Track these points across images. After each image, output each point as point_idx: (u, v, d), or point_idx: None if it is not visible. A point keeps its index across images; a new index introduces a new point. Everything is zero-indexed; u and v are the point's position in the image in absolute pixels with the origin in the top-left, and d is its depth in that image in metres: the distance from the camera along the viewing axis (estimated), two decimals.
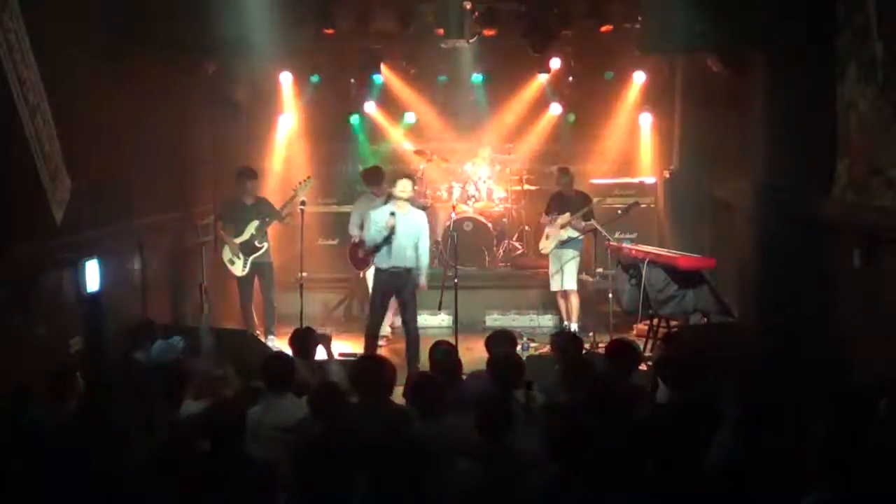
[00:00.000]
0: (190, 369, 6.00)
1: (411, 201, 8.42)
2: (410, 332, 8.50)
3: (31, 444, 4.52)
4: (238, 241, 9.50)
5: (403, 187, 8.25)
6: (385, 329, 9.55)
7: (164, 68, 8.40)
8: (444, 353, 6.22)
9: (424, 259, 8.45)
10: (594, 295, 10.28)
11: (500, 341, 6.42)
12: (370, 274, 9.38)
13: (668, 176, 11.27)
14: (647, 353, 8.38)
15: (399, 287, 8.45)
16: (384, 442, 4.16)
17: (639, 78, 11.45)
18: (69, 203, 6.98)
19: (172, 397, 5.30)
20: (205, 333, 7.58)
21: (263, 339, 9.35)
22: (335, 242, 11.61)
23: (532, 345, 9.53)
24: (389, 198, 8.60)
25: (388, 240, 8.23)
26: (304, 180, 9.45)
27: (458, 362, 6.14)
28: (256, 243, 9.51)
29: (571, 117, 12.11)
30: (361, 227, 9.42)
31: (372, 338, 8.57)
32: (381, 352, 9.18)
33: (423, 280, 8.45)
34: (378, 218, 8.34)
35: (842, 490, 3.65)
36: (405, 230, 8.28)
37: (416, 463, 3.86)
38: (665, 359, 5.91)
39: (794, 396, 5.02)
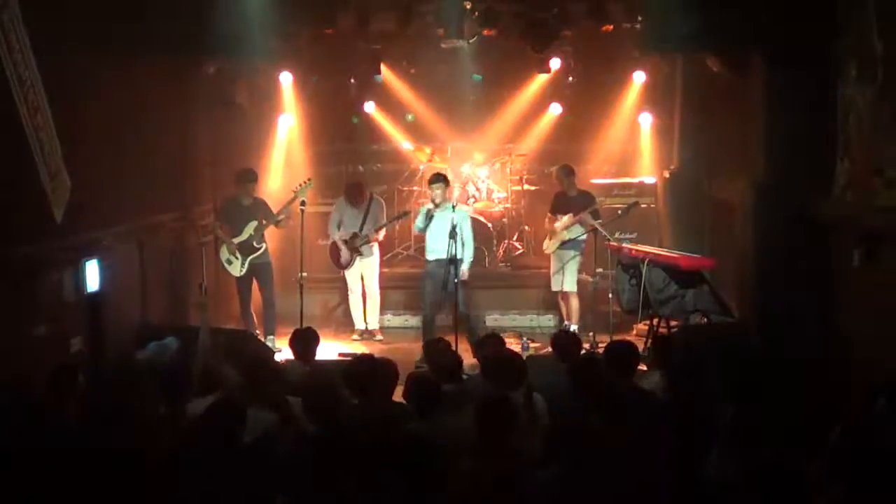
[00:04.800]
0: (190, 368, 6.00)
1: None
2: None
3: (31, 444, 4.51)
4: (236, 241, 9.48)
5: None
6: (373, 324, 10.15)
7: (164, 68, 8.39)
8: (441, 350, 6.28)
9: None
10: (594, 295, 10.27)
11: (490, 343, 6.44)
12: (349, 273, 10.04)
13: (668, 176, 11.26)
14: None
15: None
16: (382, 441, 4.15)
17: (639, 78, 11.44)
18: (69, 203, 6.97)
19: (174, 397, 5.29)
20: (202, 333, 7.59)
21: (263, 340, 9.34)
22: None
23: (532, 345, 9.53)
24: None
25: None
26: (305, 182, 9.44)
27: (459, 360, 6.16)
28: (255, 244, 9.49)
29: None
30: (339, 227, 10.05)
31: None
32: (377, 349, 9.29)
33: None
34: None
35: (851, 491, 3.65)
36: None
37: (415, 462, 3.85)
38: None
39: (794, 396, 5.02)
